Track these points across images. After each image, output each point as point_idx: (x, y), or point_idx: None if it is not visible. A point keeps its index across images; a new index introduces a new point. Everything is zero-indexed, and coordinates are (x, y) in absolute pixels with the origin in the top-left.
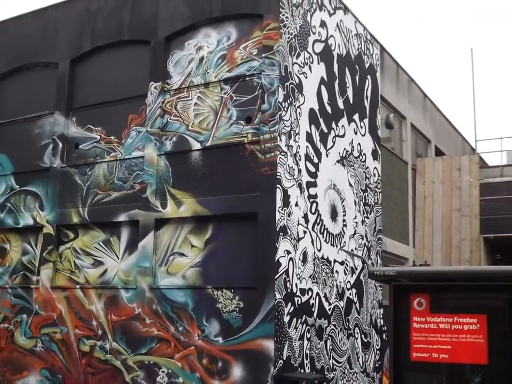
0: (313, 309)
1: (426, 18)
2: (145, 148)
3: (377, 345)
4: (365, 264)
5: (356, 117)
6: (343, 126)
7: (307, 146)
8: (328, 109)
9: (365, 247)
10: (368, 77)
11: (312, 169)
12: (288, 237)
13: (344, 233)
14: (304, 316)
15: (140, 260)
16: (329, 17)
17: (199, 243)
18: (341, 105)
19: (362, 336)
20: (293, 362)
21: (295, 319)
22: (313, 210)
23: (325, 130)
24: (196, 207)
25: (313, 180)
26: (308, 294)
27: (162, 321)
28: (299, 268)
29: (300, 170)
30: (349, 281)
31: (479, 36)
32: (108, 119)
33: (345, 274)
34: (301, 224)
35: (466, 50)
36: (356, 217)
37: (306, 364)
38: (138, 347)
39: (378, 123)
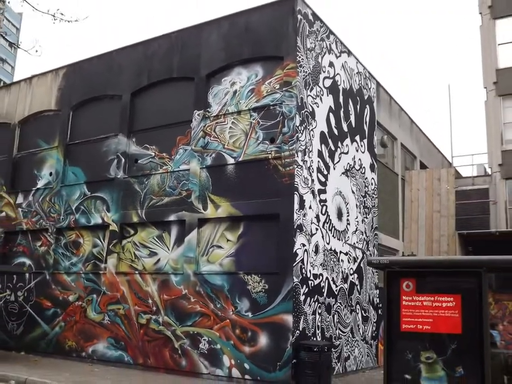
0: (323, 290)
1: (411, 60)
2: (190, 163)
3: (374, 319)
4: (364, 255)
5: (357, 137)
6: (347, 145)
7: (318, 161)
8: (335, 131)
9: (364, 241)
10: (367, 106)
11: (323, 179)
12: (303, 233)
13: (348, 230)
14: (316, 295)
15: (186, 251)
16: (336, 59)
17: (233, 238)
18: (345, 129)
19: (362, 311)
20: (307, 332)
21: (309, 298)
22: (323, 211)
23: (333, 148)
24: (230, 209)
25: (323, 188)
26: (319, 278)
27: (204, 299)
28: (312, 257)
29: (312, 180)
30: (351, 268)
31: (454, 72)
32: (161, 140)
33: (349, 262)
34: (313, 222)
35: (445, 85)
36: (357, 217)
37: (318, 333)
38: (185, 320)
39: (375, 143)
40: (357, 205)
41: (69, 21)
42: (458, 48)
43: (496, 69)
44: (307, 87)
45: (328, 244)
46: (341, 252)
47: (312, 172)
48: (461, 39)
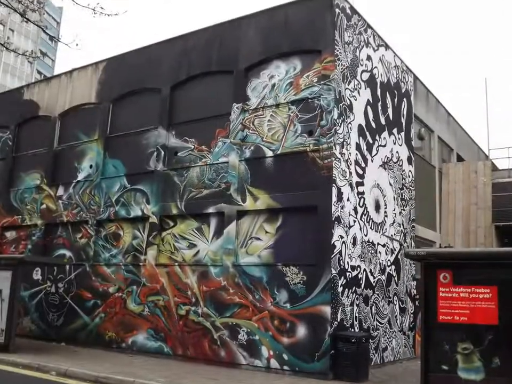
0: (361, 282)
1: (449, 53)
2: (229, 155)
3: (411, 310)
4: (402, 246)
5: (395, 130)
6: (384, 137)
7: (356, 154)
8: (373, 124)
9: (402, 233)
10: (404, 99)
11: (360, 171)
12: (341, 225)
13: (385, 222)
14: (354, 287)
15: (225, 243)
16: (374, 52)
17: (271, 230)
18: (382, 121)
19: (400, 302)
20: (345, 323)
21: (346, 289)
22: (361, 204)
23: (370, 141)
24: (269, 201)
25: (361, 180)
26: (357, 270)
27: (243, 291)
28: (350, 249)
29: (350, 173)
30: (389, 260)
31: (491, 64)
32: (200, 132)
33: (386, 254)
34: (351, 215)
35: (481, 79)
36: (394, 209)
37: (356, 324)
38: (224, 311)
39: (412, 135)
40: (394, 197)
41: (108, 15)
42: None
43: None
44: (345, 81)
45: (366, 235)
46: (378, 244)
47: (350, 164)
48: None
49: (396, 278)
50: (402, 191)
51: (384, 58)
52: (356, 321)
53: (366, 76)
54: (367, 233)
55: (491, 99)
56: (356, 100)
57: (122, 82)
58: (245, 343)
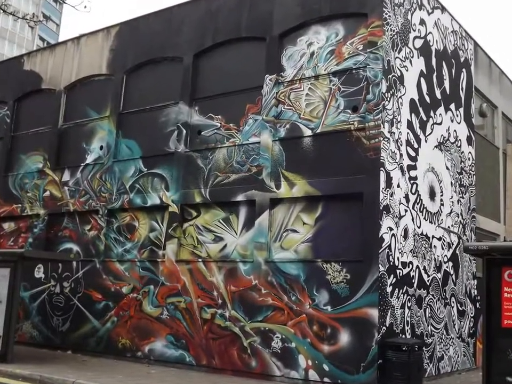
0: (413, 280)
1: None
2: (261, 134)
3: (472, 313)
4: (461, 240)
5: (452, 106)
6: (440, 114)
7: (408, 133)
8: (427, 99)
9: (460, 224)
10: (463, 70)
11: (413, 153)
12: (390, 215)
13: (441, 211)
14: (405, 286)
15: (256, 236)
16: (428, 15)
17: (310, 220)
18: (438, 96)
19: (458, 305)
20: (395, 328)
21: (397, 289)
22: (413, 190)
23: (424, 118)
24: (307, 188)
25: (413, 163)
26: (408, 267)
27: (277, 291)
28: (400, 243)
29: (401, 155)
30: (445, 255)
31: None
32: (227, 108)
33: (443, 249)
34: (402, 203)
35: None
36: (452, 197)
37: (407, 330)
38: (255, 315)
39: (472, 112)
40: (451, 183)
41: None
42: None
43: None
44: (395, 48)
45: (419, 227)
46: (433, 237)
47: (401, 145)
48: None
49: (453, 277)
50: (461, 175)
51: (440, 23)
52: (408, 326)
53: (419, 42)
54: (420, 225)
55: None
56: (407, 70)
57: (138, 50)
58: (279, 351)
